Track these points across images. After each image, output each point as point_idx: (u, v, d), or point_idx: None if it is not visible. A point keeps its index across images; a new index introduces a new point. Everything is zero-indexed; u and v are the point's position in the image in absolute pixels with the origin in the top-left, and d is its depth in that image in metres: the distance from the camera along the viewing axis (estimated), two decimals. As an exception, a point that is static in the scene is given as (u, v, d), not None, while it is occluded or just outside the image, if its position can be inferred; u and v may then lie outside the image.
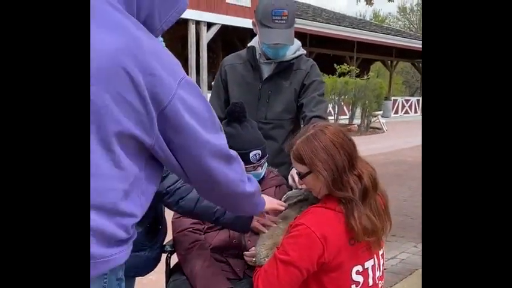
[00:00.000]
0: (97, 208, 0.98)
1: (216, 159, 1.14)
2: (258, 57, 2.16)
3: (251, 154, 1.78)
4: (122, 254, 1.06)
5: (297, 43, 2.17)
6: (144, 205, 1.11)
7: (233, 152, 1.21)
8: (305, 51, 2.22)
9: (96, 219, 0.98)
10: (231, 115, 1.80)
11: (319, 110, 2.07)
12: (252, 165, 1.81)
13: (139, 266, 1.71)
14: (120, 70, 0.97)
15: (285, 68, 2.15)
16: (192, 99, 1.08)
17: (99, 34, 0.98)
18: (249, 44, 2.21)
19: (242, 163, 1.27)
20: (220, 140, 1.16)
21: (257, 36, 2.14)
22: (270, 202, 1.60)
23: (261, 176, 1.88)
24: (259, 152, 1.81)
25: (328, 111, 2.24)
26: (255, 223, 1.63)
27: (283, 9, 1.99)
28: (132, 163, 1.04)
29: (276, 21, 1.99)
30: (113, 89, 0.97)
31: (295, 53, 2.16)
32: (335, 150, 1.41)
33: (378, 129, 15.14)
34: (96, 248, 0.98)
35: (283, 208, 1.63)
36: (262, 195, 1.50)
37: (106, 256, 1.01)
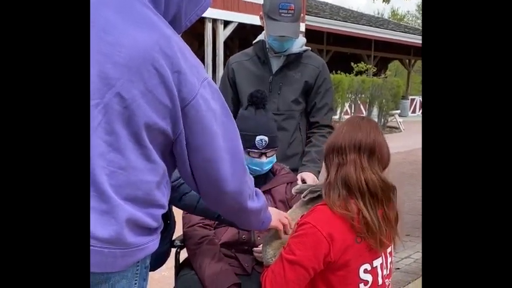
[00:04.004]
0: (131, 200, 1.02)
1: (230, 167, 1.15)
2: (267, 50, 2.19)
3: (257, 138, 1.78)
4: (153, 243, 1.11)
5: (303, 39, 2.23)
6: (168, 196, 1.15)
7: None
8: (310, 48, 2.28)
9: (131, 210, 1.02)
10: (251, 99, 1.83)
11: (328, 119, 2.27)
12: (257, 152, 1.80)
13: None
14: (150, 66, 1.01)
15: (293, 60, 2.19)
16: (213, 102, 1.11)
17: (131, 31, 1.01)
18: (256, 39, 2.25)
19: (253, 179, 1.27)
20: (238, 148, 1.17)
21: (264, 30, 2.19)
22: (276, 219, 1.50)
23: (265, 168, 1.87)
24: (265, 138, 1.80)
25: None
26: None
27: (290, 3, 2.05)
28: (160, 156, 1.08)
29: (283, 14, 2.04)
30: (142, 85, 1.00)
31: (301, 47, 2.21)
32: (340, 129, 1.46)
33: (395, 129, 14.99)
34: (132, 237, 1.03)
35: (288, 228, 1.54)
36: (270, 209, 1.47)
37: (141, 244, 1.06)
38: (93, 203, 0.97)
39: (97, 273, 1.01)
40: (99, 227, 0.98)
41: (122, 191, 1.01)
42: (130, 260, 1.05)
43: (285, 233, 1.53)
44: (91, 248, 0.97)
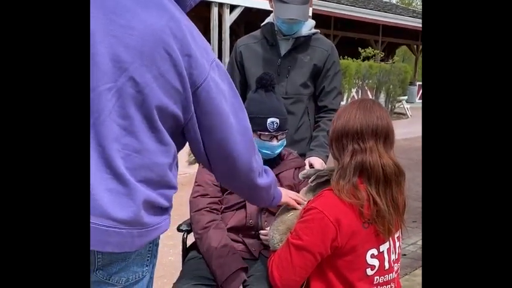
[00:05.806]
0: (146, 182, 1.04)
1: (241, 145, 1.17)
2: (275, 33, 2.17)
3: (269, 120, 1.77)
4: (166, 222, 1.14)
5: (312, 22, 2.20)
6: (177, 177, 1.17)
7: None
8: (319, 31, 2.25)
9: (147, 192, 1.04)
10: (259, 82, 1.83)
11: (337, 103, 2.24)
12: (268, 134, 1.79)
13: None
14: (162, 50, 1.01)
15: (302, 43, 2.17)
16: (221, 83, 1.12)
17: (141, 13, 1.01)
18: (265, 21, 2.22)
19: (260, 156, 1.29)
20: (247, 127, 1.19)
21: (272, 13, 2.16)
22: (286, 195, 1.55)
23: (276, 152, 1.86)
24: (277, 121, 1.79)
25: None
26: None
27: None
28: (171, 139, 1.10)
29: None
30: (155, 69, 1.01)
31: (310, 30, 2.18)
32: (353, 113, 1.41)
33: (402, 115, 14.90)
34: (147, 218, 1.06)
35: (300, 200, 1.58)
36: (279, 188, 1.49)
37: (155, 224, 1.09)
38: (112, 185, 0.99)
39: (116, 253, 1.05)
40: (118, 208, 1.00)
41: (137, 173, 1.03)
42: (146, 239, 1.08)
43: (298, 203, 1.56)
44: (111, 229, 0.99)
